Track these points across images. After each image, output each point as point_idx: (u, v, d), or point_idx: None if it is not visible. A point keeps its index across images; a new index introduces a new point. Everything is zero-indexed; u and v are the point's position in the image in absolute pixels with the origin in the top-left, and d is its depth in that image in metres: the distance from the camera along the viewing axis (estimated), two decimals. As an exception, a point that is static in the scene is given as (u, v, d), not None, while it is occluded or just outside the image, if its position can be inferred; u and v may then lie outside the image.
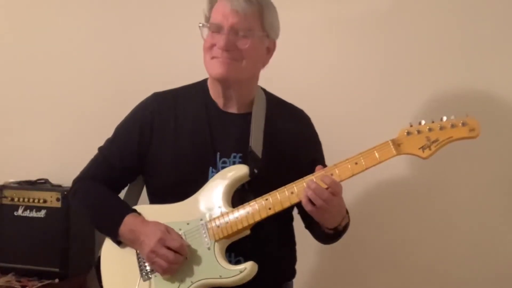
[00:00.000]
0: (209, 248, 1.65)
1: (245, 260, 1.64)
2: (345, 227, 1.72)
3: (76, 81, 2.73)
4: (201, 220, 1.67)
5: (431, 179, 2.28)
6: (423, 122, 1.59)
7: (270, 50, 1.80)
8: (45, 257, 2.41)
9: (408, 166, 2.27)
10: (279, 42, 1.81)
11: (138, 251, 1.71)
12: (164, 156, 1.77)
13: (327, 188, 1.56)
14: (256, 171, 1.69)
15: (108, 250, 1.78)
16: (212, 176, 1.71)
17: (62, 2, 2.77)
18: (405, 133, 1.59)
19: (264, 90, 1.86)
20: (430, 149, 1.57)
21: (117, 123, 1.86)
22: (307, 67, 2.40)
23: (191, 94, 1.84)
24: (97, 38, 2.70)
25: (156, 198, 1.81)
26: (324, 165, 1.67)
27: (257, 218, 1.63)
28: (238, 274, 1.61)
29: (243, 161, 1.73)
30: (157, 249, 1.62)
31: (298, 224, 1.87)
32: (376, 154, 1.58)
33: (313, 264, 2.37)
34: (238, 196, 1.69)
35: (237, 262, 1.69)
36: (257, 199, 1.65)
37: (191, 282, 1.64)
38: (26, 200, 2.46)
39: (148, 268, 1.70)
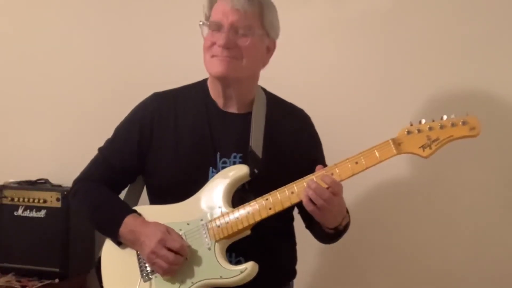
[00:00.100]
0: (209, 249, 1.65)
1: (246, 260, 1.64)
2: (346, 227, 1.72)
3: (76, 81, 2.73)
4: (202, 220, 1.67)
5: (431, 178, 2.28)
6: (423, 121, 1.58)
7: (270, 50, 1.80)
8: (45, 257, 2.41)
9: (409, 165, 2.26)
10: (279, 42, 1.81)
11: (138, 252, 1.71)
12: (164, 156, 1.76)
13: (327, 188, 1.56)
14: (256, 171, 1.69)
15: (109, 251, 1.77)
16: (212, 176, 1.71)
17: (62, 2, 2.76)
18: (406, 132, 1.59)
19: (264, 89, 1.86)
20: (430, 148, 1.57)
21: (117, 123, 1.86)
22: (307, 67, 2.40)
23: (191, 94, 1.84)
24: (97, 38, 2.70)
25: (156, 198, 1.81)
26: (325, 165, 1.67)
27: (258, 218, 1.63)
28: (239, 274, 1.60)
29: (243, 161, 1.72)
30: (158, 250, 1.62)
31: (298, 224, 1.87)
32: (377, 153, 1.58)
33: (314, 264, 2.37)
34: (239, 196, 1.69)
35: (238, 262, 1.69)
36: (257, 199, 1.64)
37: (192, 282, 1.63)
38: (26, 200, 2.46)
39: (148, 268, 1.69)
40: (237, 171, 1.69)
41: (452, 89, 2.24)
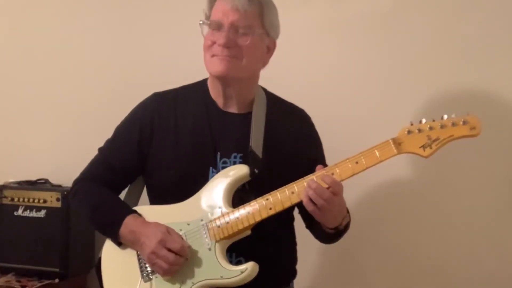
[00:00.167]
0: (210, 249, 1.64)
1: (246, 261, 1.64)
2: (346, 227, 1.72)
3: (76, 81, 2.72)
4: (202, 220, 1.67)
5: (432, 178, 2.27)
6: (423, 120, 1.58)
7: (270, 49, 1.79)
8: (45, 257, 2.41)
9: (409, 165, 2.26)
10: (279, 42, 1.81)
11: (138, 252, 1.71)
12: (164, 156, 1.76)
13: (328, 188, 1.55)
14: (256, 171, 1.69)
15: (109, 251, 1.77)
16: (212, 176, 1.71)
17: (62, 2, 2.76)
18: (406, 132, 1.58)
19: (264, 89, 1.86)
20: (431, 148, 1.57)
21: (117, 123, 1.86)
22: (308, 66, 2.39)
23: (191, 94, 1.83)
24: (97, 38, 2.70)
25: (156, 198, 1.81)
26: (325, 165, 1.67)
27: (258, 218, 1.63)
28: (239, 274, 1.60)
29: (243, 161, 1.72)
30: (158, 251, 1.62)
31: (299, 224, 1.86)
32: (377, 153, 1.58)
33: (314, 264, 2.37)
34: (239, 196, 1.69)
35: (238, 263, 1.68)
36: (257, 199, 1.64)
37: (192, 283, 1.63)
38: (26, 200, 2.46)
39: (149, 269, 1.69)
40: (237, 171, 1.68)
41: (453, 89, 2.24)
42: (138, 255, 1.71)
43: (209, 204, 1.68)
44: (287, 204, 1.62)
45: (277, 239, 1.77)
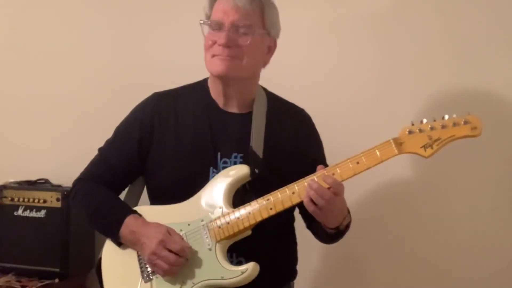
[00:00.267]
0: (210, 249, 1.64)
1: (247, 261, 1.64)
2: (347, 227, 1.72)
3: (76, 81, 2.72)
4: (202, 221, 1.67)
5: (433, 178, 2.27)
6: (424, 120, 1.58)
7: (271, 49, 1.79)
8: (45, 257, 2.40)
9: (410, 165, 2.26)
10: (279, 42, 1.80)
11: (139, 253, 1.71)
12: (165, 156, 1.76)
13: (329, 188, 1.55)
14: (257, 171, 1.69)
15: (109, 252, 1.77)
16: (213, 176, 1.71)
17: (62, 2, 2.76)
18: (407, 132, 1.58)
19: (265, 89, 1.85)
20: (432, 148, 1.56)
21: (117, 123, 1.86)
22: (308, 66, 2.39)
23: (191, 94, 1.83)
24: (97, 38, 2.69)
25: (156, 198, 1.80)
26: (326, 165, 1.67)
27: (259, 219, 1.63)
28: (240, 275, 1.60)
29: (244, 161, 1.72)
30: (158, 251, 1.61)
31: (299, 224, 1.86)
32: (378, 153, 1.57)
33: (315, 264, 2.36)
34: (239, 196, 1.69)
35: (239, 263, 1.68)
36: (258, 199, 1.64)
37: (193, 283, 1.63)
38: (26, 200, 2.45)
39: (149, 269, 1.69)
40: (237, 171, 1.68)
41: (454, 89, 2.24)
42: (138, 256, 1.71)
43: (210, 204, 1.68)
44: (288, 204, 1.62)
45: (277, 239, 1.77)
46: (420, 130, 1.57)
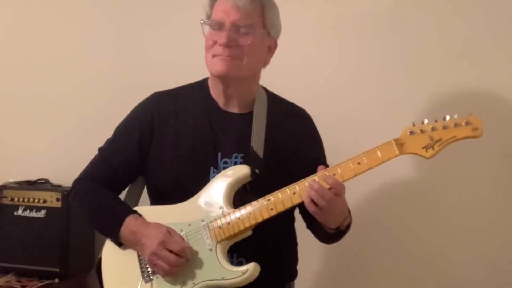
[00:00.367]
0: (211, 250, 1.64)
1: (247, 261, 1.64)
2: (347, 227, 1.72)
3: (76, 81, 2.72)
4: (203, 221, 1.66)
5: (434, 179, 2.27)
6: (426, 121, 1.58)
7: (271, 49, 1.79)
8: (45, 257, 2.40)
9: (411, 166, 2.25)
10: (280, 42, 1.80)
11: (139, 253, 1.70)
12: (165, 156, 1.76)
13: (330, 189, 1.55)
14: (257, 171, 1.68)
15: (109, 252, 1.77)
16: (213, 177, 1.71)
17: (62, 2, 2.75)
18: (408, 133, 1.58)
19: (265, 89, 1.85)
20: (433, 149, 1.56)
21: (117, 123, 1.86)
22: (309, 66, 2.39)
23: (191, 94, 1.83)
24: (97, 38, 2.69)
25: (157, 199, 1.80)
26: (326, 165, 1.66)
27: (259, 219, 1.62)
28: (241, 275, 1.60)
29: (244, 161, 1.72)
30: (158, 252, 1.61)
31: (299, 224, 1.86)
32: (379, 153, 1.57)
33: (315, 264, 2.36)
34: (240, 196, 1.69)
35: (239, 263, 1.68)
36: (259, 199, 1.64)
37: (193, 284, 1.63)
38: (26, 200, 2.45)
39: (149, 269, 1.68)
40: (238, 171, 1.68)
41: (455, 89, 2.23)
42: (138, 256, 1.71)
43: (210, 205, 1.68)
44: (289, 205, 1.62)
45: (278, 239, 1.77)
46: (422, 131, 1.57)
